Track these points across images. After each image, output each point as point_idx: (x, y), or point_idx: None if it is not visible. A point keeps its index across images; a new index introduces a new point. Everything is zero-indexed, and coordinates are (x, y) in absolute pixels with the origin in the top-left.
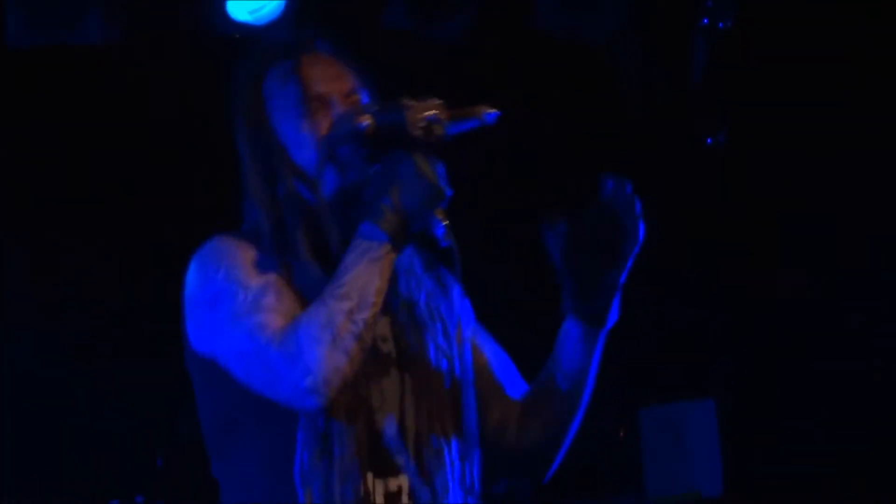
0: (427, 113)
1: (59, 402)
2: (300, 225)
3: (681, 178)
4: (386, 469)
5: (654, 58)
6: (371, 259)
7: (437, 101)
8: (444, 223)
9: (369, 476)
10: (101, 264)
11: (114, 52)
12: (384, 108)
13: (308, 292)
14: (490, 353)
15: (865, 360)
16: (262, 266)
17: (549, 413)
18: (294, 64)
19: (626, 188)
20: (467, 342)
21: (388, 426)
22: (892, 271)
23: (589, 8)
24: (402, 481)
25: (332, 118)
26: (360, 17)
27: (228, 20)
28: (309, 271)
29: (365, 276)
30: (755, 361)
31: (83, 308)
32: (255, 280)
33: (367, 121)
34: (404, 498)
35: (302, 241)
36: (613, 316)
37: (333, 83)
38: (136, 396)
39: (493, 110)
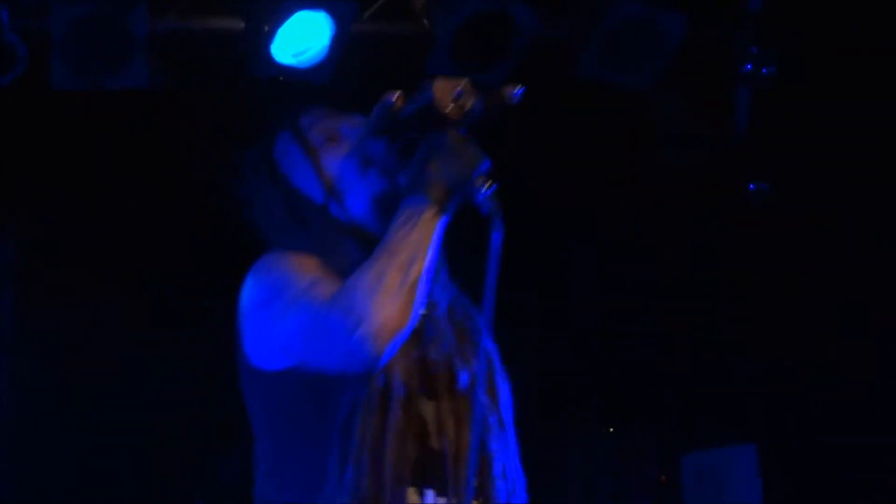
0: (455, 88)
1: (93, 442)
2: (343, 240)
3: (721, 227)
4: (430, 486)
5: (698, 107)
6: (417, 222)
7: (464, 78)
8: (486, 188)
9: (411, 491)
10: (136, 305)
11: (159, 98)
12: (413, 98)
13: None
14: None
15: None
16: (318, 264)
17: None
18: (293, 126)
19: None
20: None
21: (440, 444)
22: None
23: (632, 57)
24: (441, 501)
25: (341, 141)
26: (403, 62)
27: (273, 63)
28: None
29: (413, 235)
30: (796, 405)
31: (117, 347)
32: (309, 272)
33: (394, 94)
34: None
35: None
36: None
37: (330, 120)
38: (177, 440)
39: (518, 87)
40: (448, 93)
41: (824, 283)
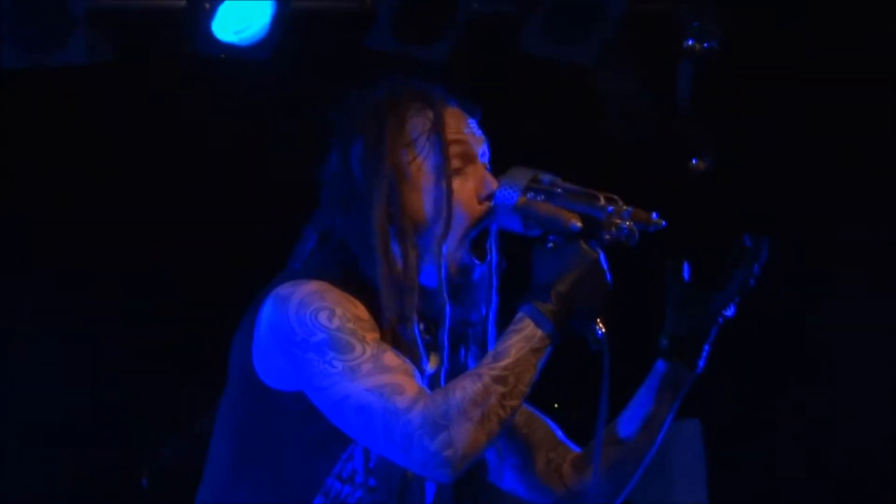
0: (623, 221)
1: (35, 426)
2: (414, 291)
3: (667, 201)
4: None
5: (641, 81)
6: (533, 348)
7: (625, 204)
8: (602, 330)
9: None
10: (91, 287)
11: (99, 74)
12: (579, 201)
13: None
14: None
15: (852, 375)
16: (371, 321)
17: (614, 460)
18: (438, 112)
19: (763, 249)
20: None
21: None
22: (882, 285)
23: (574, 31)
24: None
25: (481, 183)
26: (345, 38)
27: (213, 41)
28: (412, 343)
29: (524, 364)
30: (741, 380)
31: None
32: (369, 334)
33: (576, 221)
34: None
35: (412, 311)
36: (702, 363)
37: (473, 139)
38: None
39: (661, 221)
40: (616, 223)
41: (769, 259)
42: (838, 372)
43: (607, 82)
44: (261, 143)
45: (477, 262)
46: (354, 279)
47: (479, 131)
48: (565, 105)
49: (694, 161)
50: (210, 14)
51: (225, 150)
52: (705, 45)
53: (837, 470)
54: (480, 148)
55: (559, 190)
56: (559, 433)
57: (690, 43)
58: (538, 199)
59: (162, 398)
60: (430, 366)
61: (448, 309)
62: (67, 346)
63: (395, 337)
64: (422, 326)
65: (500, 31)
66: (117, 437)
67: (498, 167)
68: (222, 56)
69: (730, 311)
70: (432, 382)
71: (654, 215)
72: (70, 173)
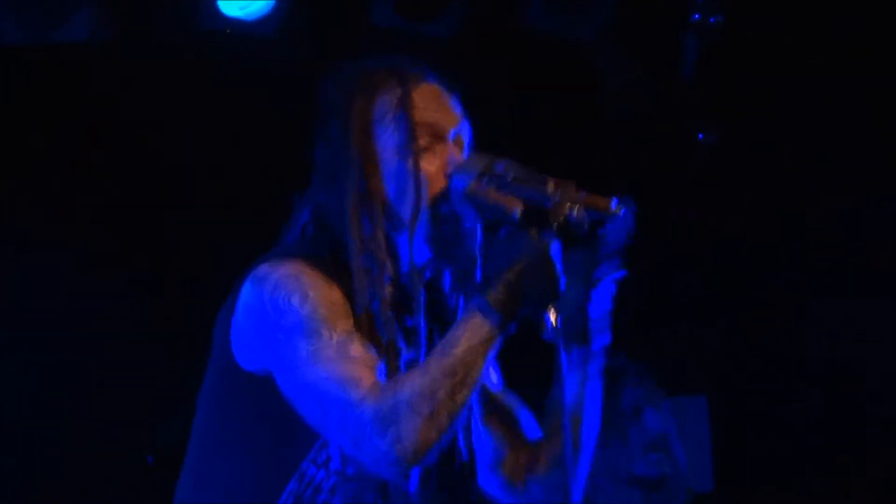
0: (571, 209)
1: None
2: (383, 272)
3: (671, 177)
4: None
5: (643, 55)
6: (481, 339)
7: (576, 189)
8: (553, 317)
9: None
10: (85, 261)
11: (103, 50)
12: (526, 188)
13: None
14: (508, 398)
15: (858, 354)
16: (346, 307)
17: (551, 454)
18: (406, 90)
19: (628, 215)
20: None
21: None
22: (886, 266)
23: (577, 6)
24: None
25: (445, 162)
26: (349, 14)
27: (219, 16)
28: (387, 325)
29: (472, 356)
30: (748, 357)
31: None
32: (340, 322)
33: (517, 208)
34: None
35: (382, 293)
36: (603, 337)
37: (445, 117)
38: (126, 399)
39: (622, 208)
40: (564, 210)
41: (775, 235)
42: (849, 350)
43: (610, 58)
44: (266, 119)
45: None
46: (338, 259)
47: (458, 108)
48: (568, 80)
49: (700, 137)
50: None
51: (230, 126)
52: (710, 19)
53: (844, 444)
54: (455, 126)
55: (510, 176)
56: (531, 430)
57: (696, 18)
58: (490, 186)
59: (167, 374)
60: (409, 350)
61: (422, 294)
62: (72, 318)
63: (369, 321)
64: (402, 310)
65: (504, 5)
66: (122, 414)
67: (500, 143)
68: (227, 31)
69: (616, 273)
70: (410, 367)
71: (613, 202)
72: (73, 152)
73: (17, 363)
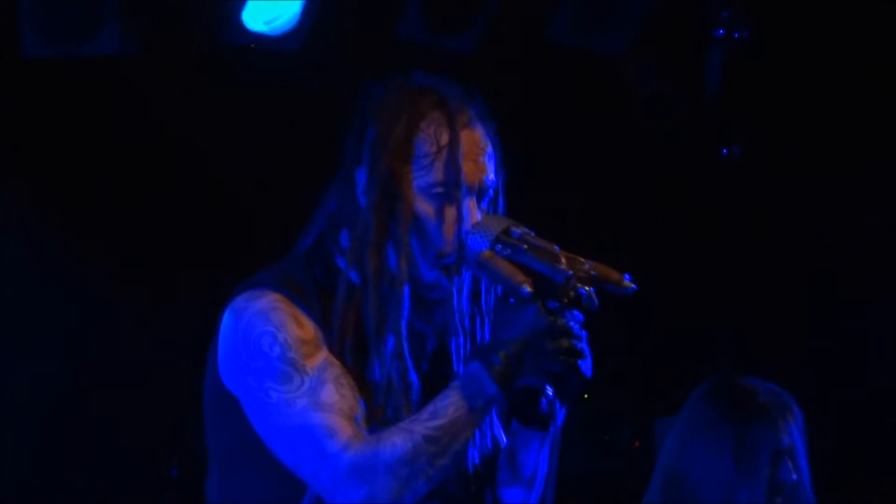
0: (583, 286)
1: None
2: (402, 297)
3: (695, 190)
4: None
5: (669, 70)
6: (473, 408)
7: (590, 266)
8: (549, 395)
9: None
10: (107, 272)
11: (129, 64)
12: (539, 261)
13: (361, 378)
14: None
15: (869, 365)
16: (317, 340)
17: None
18: (455, 136)
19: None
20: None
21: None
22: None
23: (603, 20)
24: None
25: (461, 215)
26: (376, 28)
27: (244, 31)
28: (376, 368)
29: (460, 425)
30: (768, 370)
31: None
32: (311, 360)
33: (527, 287)
34: None
35: (399, 317)
36: (557, 421)
37: (477, 170)
38: (151, 409)
39: (630, 285)
40: (575, 288)
41: (797, 248)
42: (856, 352)
43: (635, 73)
44: (290, 133)
45: (444, 281)
46: (330, 279)
47: (492, 160)
48: (593, 96)
49: (724, 151)
50: (240, 4)
51: (254, 139)
52: (735, 35)
53: (865, 454)
54: (482, 180)
55: (525, 246)
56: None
57: (720, 33)
58: (504, 253)
59: (193, 387)
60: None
61: (404, 322)
62: (100, 330)
63: (359, 351)
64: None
65: (528, 21)
66: (147, 427)
67: (527, 158)
68: (252, 46)
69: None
70: (396, 412)
71: (626, 277)
72: (99, 165)
73: (48, 375)
